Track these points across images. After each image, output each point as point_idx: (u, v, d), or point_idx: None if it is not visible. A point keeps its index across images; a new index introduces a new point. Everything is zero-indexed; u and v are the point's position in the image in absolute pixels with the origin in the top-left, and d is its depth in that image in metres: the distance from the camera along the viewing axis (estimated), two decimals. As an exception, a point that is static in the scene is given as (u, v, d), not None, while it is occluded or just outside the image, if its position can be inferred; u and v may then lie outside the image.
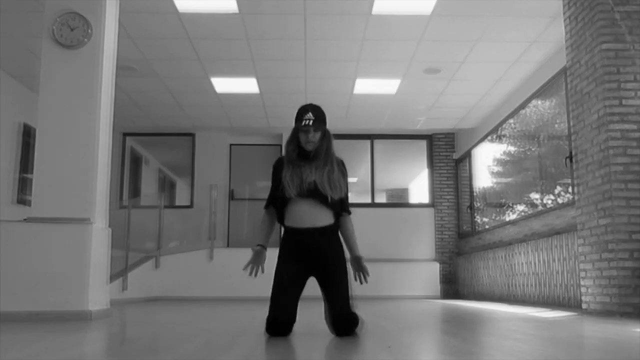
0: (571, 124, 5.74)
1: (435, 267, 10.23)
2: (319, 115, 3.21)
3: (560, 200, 7.04)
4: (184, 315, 5.30)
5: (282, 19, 6.30)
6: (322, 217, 3.18)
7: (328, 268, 3.15)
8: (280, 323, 3.04)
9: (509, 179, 9.39)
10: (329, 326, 3.11)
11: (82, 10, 4.89)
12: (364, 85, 8.34)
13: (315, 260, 3.15)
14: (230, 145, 10.94)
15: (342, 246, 3.27)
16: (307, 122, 3.15)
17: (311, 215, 3.16)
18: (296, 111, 3.24)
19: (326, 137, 3.25)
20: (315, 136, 3.18)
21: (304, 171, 3.19)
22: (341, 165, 3.30)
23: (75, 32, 4.86)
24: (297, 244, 3.17)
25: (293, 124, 3.24)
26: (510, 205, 8.97)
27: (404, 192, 13.36)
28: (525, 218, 7.79)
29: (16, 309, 4.31)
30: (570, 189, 6.44)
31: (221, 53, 7.22)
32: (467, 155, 10.39)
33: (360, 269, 3.24)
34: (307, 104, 3.32)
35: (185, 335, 3.17)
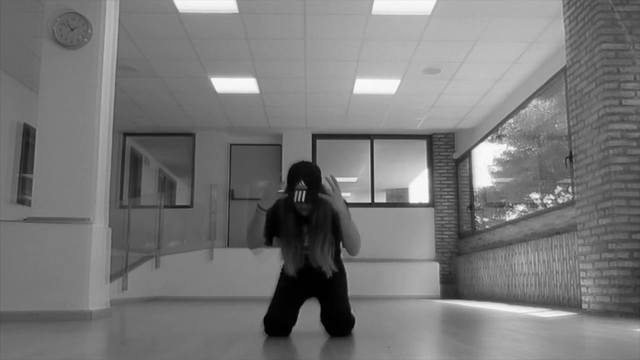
0: (571, 124, 5.74)
1: (435, 267, 10.23)
2: (313, 180, 2.87)
3: (560, 200, 7.04)
4: (184, 315, 5.30)
5: (282, 19, 6.30)
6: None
7: (327, 291, 3.13)
8: (275, 323, 3.04)
9: (509, 179, 9.39)
10: (324, 326, 3.11)
11: (82, 10, 4.89)
12: (364, 85, 8.34)
13: (315, 286, 3.14)
14: (230, 145, 10.94)
15: (342, 270, 3.23)
16: (300, 197, 2.81)
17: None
18: (289, 169, 2.94)
19: (322, 202, 2.89)
20: (309, 205, 2.91)
21: (302, 241, 3.02)
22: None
23: (75, 32, 4.86)
24: (298, 276, 3.11)
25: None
26: (510, 205, 8.98)
27: (403, 192, 13.38)
28: (525, 218, 7.79)
29: (16, 308, 4.31)
30: (570, 189, 6.44)
31: (221, 53, 7.22)
32: (467, 155, 10.39)
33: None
34: (299, 164, 2.96)
35: (185, 335, 3.17)
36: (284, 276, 3.18)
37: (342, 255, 3.26)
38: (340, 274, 3.20)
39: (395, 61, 7.47)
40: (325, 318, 3.08)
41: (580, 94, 5.33)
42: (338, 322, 3.03)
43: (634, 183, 4.81)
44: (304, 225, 3.02)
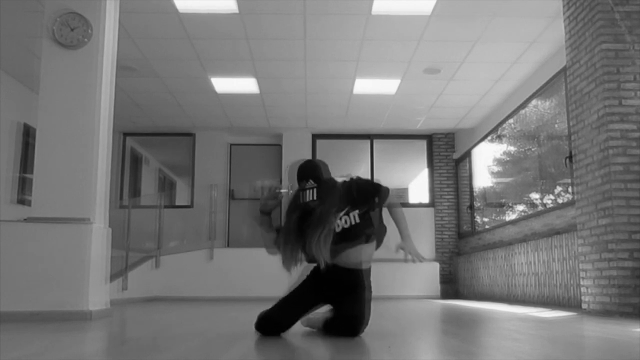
0: (571, 124, 5.74)
1: (435, 267, 10.23)
2: (319, 174, 2.98)
3: (560, 200, 7.04)
4: (184, 315, 5.30)
5: (282, 19, 6.30)
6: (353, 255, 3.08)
7: (349, 294, 3.09)
8: (269, 321, 3.03)
9: (509, 179, 9.39)
10: (324, 323, 3.10)
11: (82, 10, 4.89)
12: (364, 85, 8.34)
13: (334, 292, 3.11)
14: (230, 145, 10.94)
15: (368, 275, 3.19)
16: (311, 196, 2.92)
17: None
18: (296, 168, 3.02)
19: (328, 196, 2.98)
20: (320, 200, 2.98)
21: (300, 242, 3.03)
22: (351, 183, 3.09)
23: (75, 32, 4.87)
24: (323, 277, 3.06)
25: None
26: (510, 205, 8.97)
27: (403, 192, 13.35)
28: (525, 218, 7.79)
29: (16, 308, 4.31)
30: (570, 189, 6.44)
31: (221, 53, 7.22)
32: (467, 155, 10.39)
33: (409, 253, 3.17)
34: (303, 164, 3.06)
35: (185, 335, 3.18)
36: (306, 279, 3.16)
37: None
38: (366, 288, 3.14)
39: (395, 61, 7.47)
40: (339, 316, 3.05)
41: (580, 94, 5.33)
42: (350, 323, 2.98)
43: (634, 183, 4.81)
44: (308, 217, 3.00)
